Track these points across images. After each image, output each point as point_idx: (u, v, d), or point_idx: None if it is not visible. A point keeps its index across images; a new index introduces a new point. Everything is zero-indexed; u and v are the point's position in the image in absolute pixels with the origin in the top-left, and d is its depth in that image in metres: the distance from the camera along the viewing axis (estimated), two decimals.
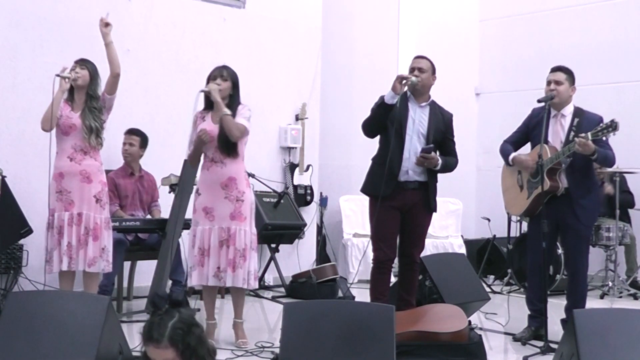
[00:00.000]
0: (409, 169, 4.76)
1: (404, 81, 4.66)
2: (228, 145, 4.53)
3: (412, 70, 4.82)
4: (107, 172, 5.06)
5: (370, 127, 4.85)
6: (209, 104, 4.65)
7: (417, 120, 4.80)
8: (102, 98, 4.82)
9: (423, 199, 4.81)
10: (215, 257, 4.52)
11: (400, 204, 4.77)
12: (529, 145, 5.09)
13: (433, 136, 4.80)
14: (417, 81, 4.74)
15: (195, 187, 4.71)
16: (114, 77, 4.79)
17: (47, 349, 3.31)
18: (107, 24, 4.75)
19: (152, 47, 6.47)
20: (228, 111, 4.48)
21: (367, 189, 4.91)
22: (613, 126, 4.53)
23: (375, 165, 4.89)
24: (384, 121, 4.75)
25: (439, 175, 4.95)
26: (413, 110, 4.81)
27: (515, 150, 5.09)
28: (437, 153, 4.85)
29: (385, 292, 4.82)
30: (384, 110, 4.71)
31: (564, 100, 4.85)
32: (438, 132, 4.84)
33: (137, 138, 5.88)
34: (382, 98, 4.72)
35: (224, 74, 4.59)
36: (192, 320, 2.62)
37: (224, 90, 4.56)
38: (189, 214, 5.39)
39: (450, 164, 4.92)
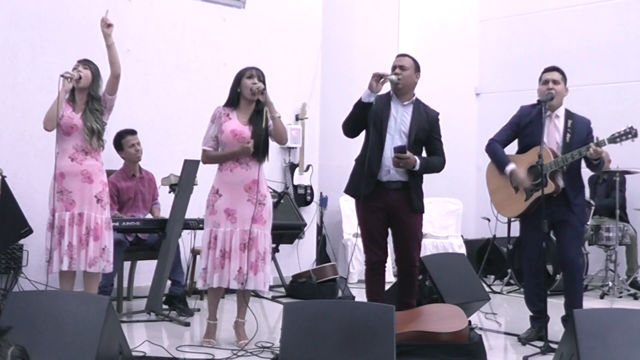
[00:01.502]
0: (391, 168, 4.60)
1: (382, 79, 4.56)
2: (264, 149, 4.56)
3: (393, 68, 4.71)
4: (107, 172, 5.04)
5: (348, 126, 4.76)
6: (235, 101, 4.61)
7: (399, 119, 4.66)
8: (102, 98, 4.81)
9: (407, 200, 4.64)
10: (237, 259, 4.49)
11: (384, 204, 4.63)
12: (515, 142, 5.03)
13: (416, 135, 4.64)
14: (397, 79, 4.63)
15: (214, 188, 4.58)
16: (115, 78, 4.78)
17: (47, 349, 3.29)
18: (109, 25, 4.72)
19: (152, 47, 6.47)
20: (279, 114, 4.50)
21: (349, 189, 4.81)
22: (633, 132, 4.58)
23: (357, 166, 4.76)
24: (363, 120, 4.65)
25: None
26: (395, 109, 4.69)
27: (503, 147, 5.03)
28: (423, 151, 4.72)
29: (381, 292, 4.78)
30: (361, 109, 4.61)
31: (559, 100, 4.86)
32: (422, 131, 4.67)
33: (137, 136, 5.84)
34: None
35: (260, 76, 4.58)
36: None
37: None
38: (189, 214, 5.41)
39: (433, 164, 4.73)
